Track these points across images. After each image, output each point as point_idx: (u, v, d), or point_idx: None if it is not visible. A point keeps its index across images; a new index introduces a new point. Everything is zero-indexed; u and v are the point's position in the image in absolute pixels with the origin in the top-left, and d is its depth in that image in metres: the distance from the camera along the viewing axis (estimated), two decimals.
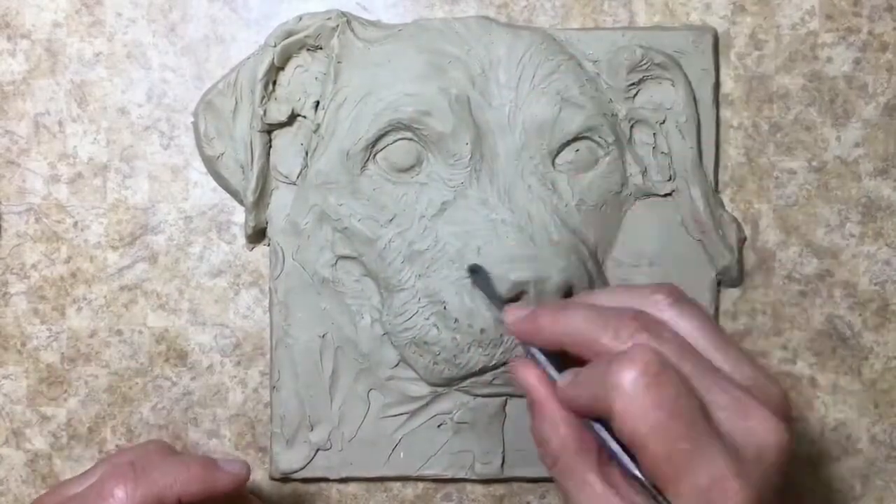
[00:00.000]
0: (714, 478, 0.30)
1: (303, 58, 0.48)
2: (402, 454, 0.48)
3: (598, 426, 0.33)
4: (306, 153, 0.48)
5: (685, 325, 0.34)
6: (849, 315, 0.50)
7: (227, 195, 0.50)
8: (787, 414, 0.33)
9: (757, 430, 0.31)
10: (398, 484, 0.50)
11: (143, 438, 0.50)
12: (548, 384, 0.36)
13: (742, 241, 0.50)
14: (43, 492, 0.48)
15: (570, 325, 0.35)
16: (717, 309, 0.49)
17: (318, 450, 0.48)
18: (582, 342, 0.34)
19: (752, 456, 0.31)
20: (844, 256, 0.50)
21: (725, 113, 0.50)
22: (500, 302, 0.42)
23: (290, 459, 0.48)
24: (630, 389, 0.31)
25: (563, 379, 0.35)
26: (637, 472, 0.32)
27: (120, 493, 0.38)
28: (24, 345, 0.50)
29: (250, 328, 0.50)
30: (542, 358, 0.36)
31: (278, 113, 0.47)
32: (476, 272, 0.43)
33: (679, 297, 0.35)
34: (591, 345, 0.34)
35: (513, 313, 0.38)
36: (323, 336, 0.48)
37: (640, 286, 0.37)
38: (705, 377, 0.32)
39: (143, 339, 0.50)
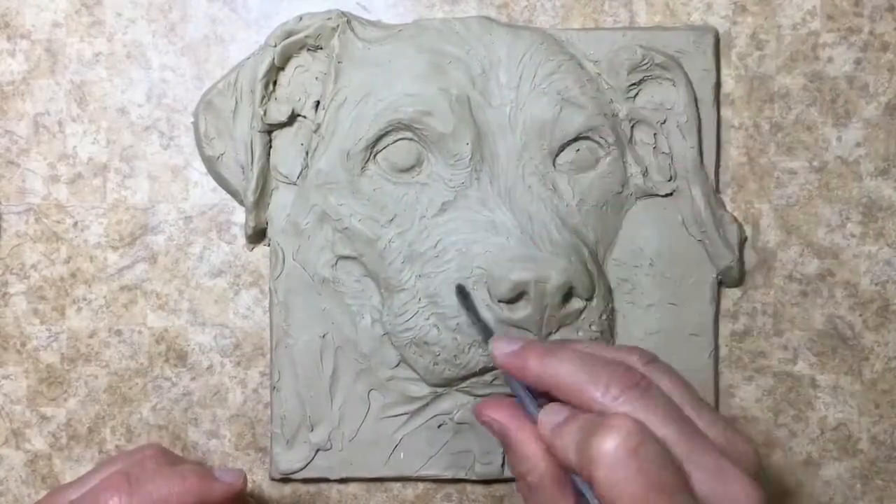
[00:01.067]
0: None
1: (303, 58, 0.48)
2: (402, 454, 0.48)
3: (577, 479, 0.34)
4: (307, 153, 0.48)
5: (664, 385, 0.35)
6: (849, 315, 0.50)
7: (227, 195, 0.50)
8: (759, 472, 0.34)
9: (737, 495, 0.32)
10: (398, 484, 0.50)
11: (143, 439, 0.50)
12: (523, 420, 0.36)
13: (743, 241, 0.49)
14: (43, 493, 0.49)
15: (560, 371, 0.36)
16: (717, 309, 0.49)
17: (318, 450, 0.48)
18: (570, 391, 0.35)
19: None
20: (845, 256, 0.50)
21: (726, 113, 0.50)
22: (487, 329, 0.42)
23: (290, 460, 0.48)
24: (611, 459, 0.31)
25: (547, 416, 0.35)
26: None
27: None
28: (23, 345, 0.50)
29: (250, 328, 0.50)
30: (522, 392, 0.37)
31: (278, 113, 0.47)
32: (463, 294, 0.43)
33: (653, 358, 0.36)
34: (579, 395, 0.35)
35: (499, 346, 0.38)
36: (323, 336, 0.48)
37: (611, 348, 0.38)
38: (687, 441, 0.33)
39: (142, 339, 0.50)
